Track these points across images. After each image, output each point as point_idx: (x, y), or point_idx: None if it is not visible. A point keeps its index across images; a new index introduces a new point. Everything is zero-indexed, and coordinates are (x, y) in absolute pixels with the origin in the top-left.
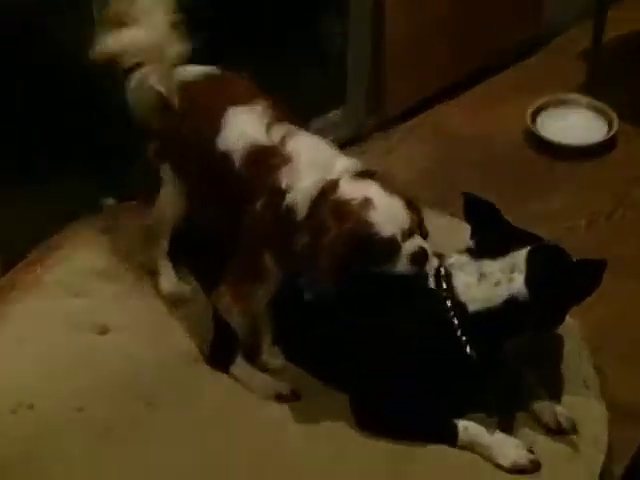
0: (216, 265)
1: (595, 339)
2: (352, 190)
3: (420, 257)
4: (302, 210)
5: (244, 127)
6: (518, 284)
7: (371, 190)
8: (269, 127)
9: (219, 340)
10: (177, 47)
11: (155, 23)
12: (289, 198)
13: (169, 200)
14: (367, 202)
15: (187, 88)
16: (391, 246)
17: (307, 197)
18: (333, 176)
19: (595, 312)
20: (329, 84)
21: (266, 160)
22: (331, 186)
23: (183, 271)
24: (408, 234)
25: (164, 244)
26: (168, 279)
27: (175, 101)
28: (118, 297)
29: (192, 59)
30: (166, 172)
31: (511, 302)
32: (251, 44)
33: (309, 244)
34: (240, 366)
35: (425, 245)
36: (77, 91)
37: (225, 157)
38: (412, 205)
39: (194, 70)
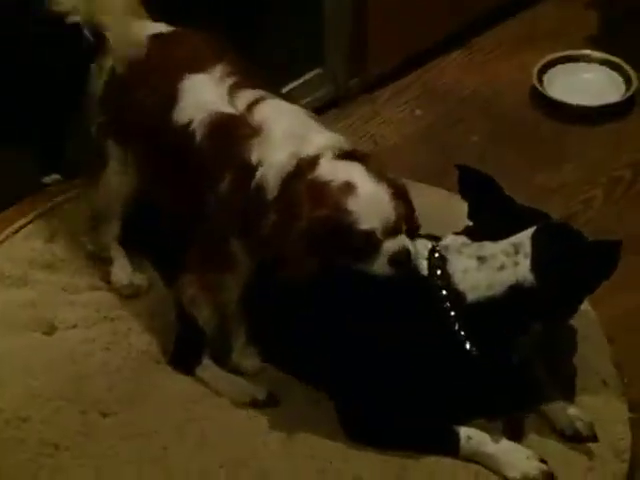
0: (177, 250)
1: (616, 330)
2: (333, 170)
3: (402, 259)
4: (273, 188)
5: (203, 95)
6: (523, 268)
7: (355, 173)
8: (232, 93)
9: (183, 337)
10: None
11: None
12: (259, 174)
13: (116, 178)
14: (348, 187)
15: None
16: (369, 242)
17: (280, 173)
18: (312, 151)
19: (617, 299)
20: (305, 41)
21: (231, 131)
22: (309, 163)
23: (138, 258)
24: (391, 230)
25: (115, 228)
26: (122, 269)
27: (121, 65)
28: (65, 290)
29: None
30: (112, 147)
31: (516, 289)
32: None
33: (278, 225)
34: (208, 368)
35: (409, 246)
36: (15, 59)
37: (183, 130)
38: (402, 195)
39: (142, 28)
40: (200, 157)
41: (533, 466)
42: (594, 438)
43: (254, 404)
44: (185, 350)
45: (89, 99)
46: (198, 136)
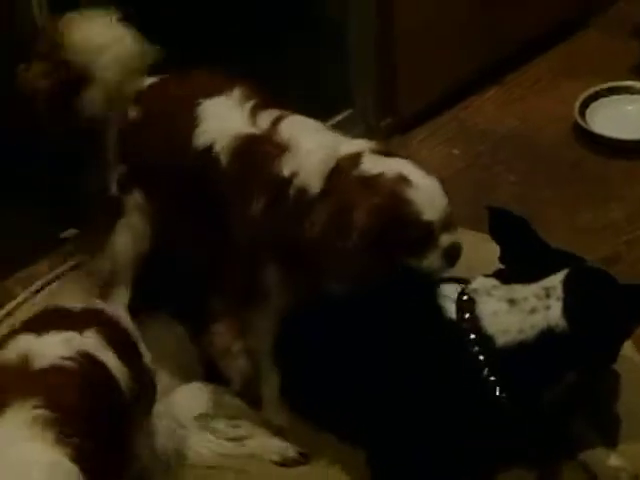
0: (201, 301)
1: None
2: (380, 165)
3: (456, 254)
4: (315, 188)
5: (224, 117)
6: (555, 312)
7: (405, 166)
8: (253, 114)
9: None
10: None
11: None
12: (298, 181)
13: (133, 234)
14: (403, 178)
15: (146, 94)
16: (427, 234)
17: (320, 172)
18: (350, 151)
19: None
20: (333, 81)
21: (258, 151)
22: (350, 160)
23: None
24: (446, 224)
25: (125, 293)
26: None
27: (132, 110)
28: None
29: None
30: (133, 200)
31: (547, 334)
32: (240, 42)
33: (328, 224)
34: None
35: (461, 242)
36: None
37: (204, 155)
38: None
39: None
40: (226, 182)
41: None
42: None
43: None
44: None
45: (105, 151)
46: (223, 160)
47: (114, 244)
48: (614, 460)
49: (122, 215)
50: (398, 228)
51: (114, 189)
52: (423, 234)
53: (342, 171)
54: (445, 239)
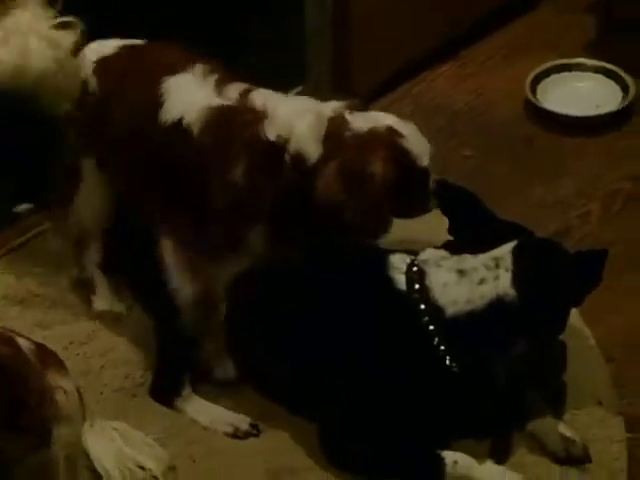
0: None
1: (616, 349)
2: (367, 120)
3: (439, 190)
4: (313, 153)
5: (190, 92)
6: (504, 282)
7: (386, 118)
8: (219, 87)
9: (163, 369)
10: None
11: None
12: (292, 148)
13: (91, 200)
14: (394, 131)
15: (105, 64)
16: (426, 177)
17: (315, 137)
18: (332, 113)
19: (618, 317)
20: (286, 56)
21: (233, 120)
22: (338, 121)
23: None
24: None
25: (94, 253)
26: (102, 296)
27: (92, 81)
28: (38, 326)
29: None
30: (87, 167)
31: (497, 304)
32: (195, 15)
33: (337, 183)
34: (189, 399)
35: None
36: None
37: (174, 129)
38: None
39: (109, 44)
40: (200, 152)
41: None
42: (587, 459)
43: (235, 435)
44: (165, 381)
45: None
46: (195, 132)
47: (78, 208)
48: (563, 430)
49: (81, 180)
50: (406, 177)
51: (68, 156)
52: (423, 179)
53: (336, 132)
54: (433, 177)
